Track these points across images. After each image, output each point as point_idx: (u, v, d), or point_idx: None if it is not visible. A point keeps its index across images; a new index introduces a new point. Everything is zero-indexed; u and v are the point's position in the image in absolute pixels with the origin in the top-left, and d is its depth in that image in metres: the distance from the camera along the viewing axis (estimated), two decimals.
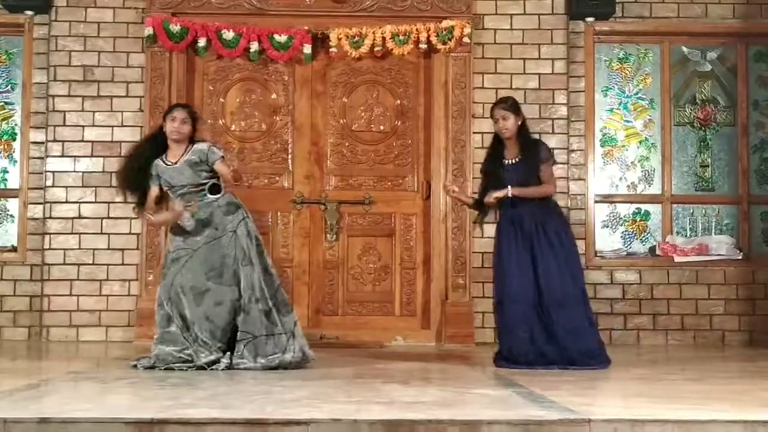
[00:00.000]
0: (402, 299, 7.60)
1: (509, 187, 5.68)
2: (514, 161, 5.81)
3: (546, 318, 5.56)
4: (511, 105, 5.86)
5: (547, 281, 5.59)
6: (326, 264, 7.60)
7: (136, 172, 5.74)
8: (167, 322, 5.53)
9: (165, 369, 5.33)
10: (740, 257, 7.70)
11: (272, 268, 5.69)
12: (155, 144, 5.77)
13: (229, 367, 5.37)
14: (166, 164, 5.68)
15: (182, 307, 5.51)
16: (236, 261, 5.55)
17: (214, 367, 5.36)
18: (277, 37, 7.44)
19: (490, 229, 7.38)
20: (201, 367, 5.36)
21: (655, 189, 7.86)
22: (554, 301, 5.57)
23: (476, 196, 6.08)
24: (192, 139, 5.76)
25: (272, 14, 7.56)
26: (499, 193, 5.70)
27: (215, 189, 5.70)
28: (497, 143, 5.93)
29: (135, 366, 5.42)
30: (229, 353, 5.45)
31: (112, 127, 7.48)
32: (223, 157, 5.66)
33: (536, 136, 6.41)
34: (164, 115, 5.82)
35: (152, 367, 5.37)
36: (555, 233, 5.71)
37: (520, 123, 5.83)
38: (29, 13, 7.58)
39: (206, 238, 5.59)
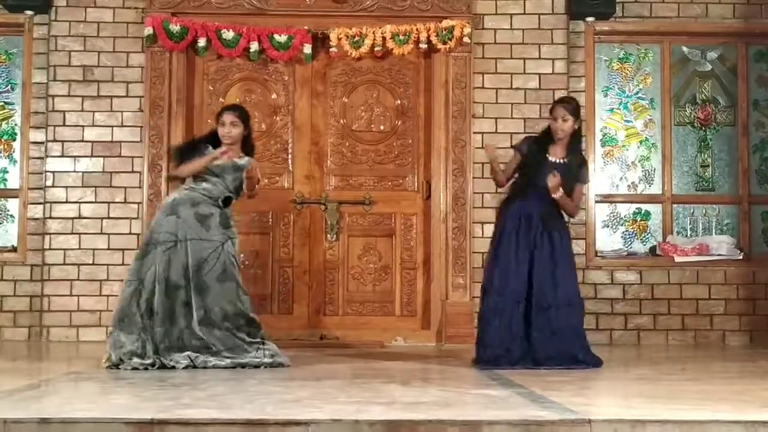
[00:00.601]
0: (402, 299, 7.60)
1: (560, 191, 5.61)
2: (557, 161, 5.74)
3: (535, 317, 5.54)
4: (573, 108, 5.78)
5: (541, 281, 5.58)
6: (326, 264, 7.60)
7: (192, 144, 6.01)
8: (129, 303, 5.51)
9: (132, 369, 5.31)
10: (741, 257, 7.70)
11: (245, 290, 5.73)
12: (212, 139, 5.89)
13: (193, 366, 5.40)
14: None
15: (152, 295, 5.51)
16: (211, 272, 5.57)
17: (173, 365, 5.38)
18: (277, 36, 7.43)
19: (490, 229, 7.40)
20: (161, 366, 5.37)
21: (656, 189, 7.86)
22: (560, 301, 5.55)
23: (502, 166, 5.86)
24: (247, 140, 5.92)
25: (272, 14, 7.56)
26: (554, 182, 5.58)
27: (227, 202, 5.78)
28: (546, 135, 5.83)
29: (109, 367, 5.40)
30: (188, 354, 5.45)
31: (112, 127, 7.48)
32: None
33: (584, 151, 6.32)
34: (216, 118, 5.99)
35: (116, 366, 5.35)
36: (558, 237, 5.70)
37: (576, 128, 5.80)
38: (29, 12, 7.57)
39: (195, 234, 5.61)
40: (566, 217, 5.87)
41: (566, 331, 5.55)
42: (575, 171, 5.77)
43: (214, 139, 5.88)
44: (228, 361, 5.44)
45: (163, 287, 5.52)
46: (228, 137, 5.79)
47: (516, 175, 5.86)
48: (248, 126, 5.92)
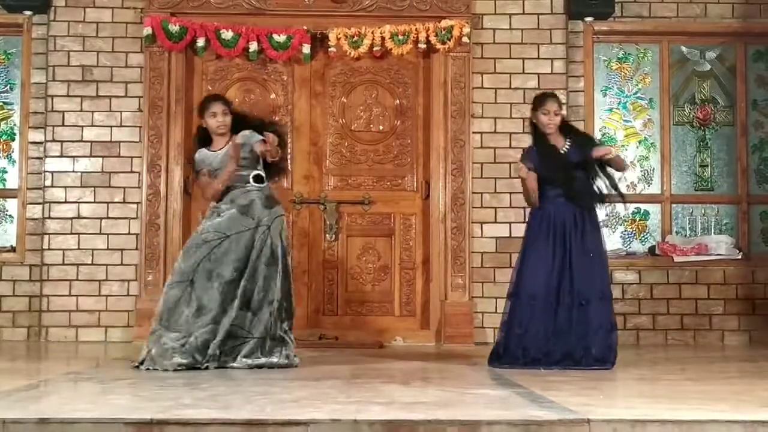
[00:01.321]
0: (401, 299, 7.60)
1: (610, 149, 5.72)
2: (566, 148, 5.72)
3: (565, 316, 5.51)
4: (560, 101, 5.86)
5: (581, 278, 5.55)
6: (325, 264, 7.60)
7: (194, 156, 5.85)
8: (176, 303, 5.42)
9: (164, 370, 5.24)
10: (740, 257, 7.70)
11: (291, 271, 5.68)
12: (203, 143, 5.80)
13: (218, 366, 5.34)
14: (210, 151, 5.71)
15: (201, 293, 5.43)
16: (260, 257, 5.51)
17: (207, 365, 5.33)
18: (276, 36, 7.44)
19: (489, 230, 7.46)
20: (196, 366, 5.30)
21: (655, 189, 7.87)
22: (592, 299, 5.53)
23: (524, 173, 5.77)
24: (247, 120, 5.82)
25: (271, 14, 7.56)
26: (602, 152, 5.64)
27: (259, 179, 5.68)
28: (539, 136, 5.79)
29: (137, 367, 5.35)
30: (218, 352, 5.40)
31: (111, 127, 7.48)
32: (263, 140, 5.58)
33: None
34: (201, 112, 5.79)
35: (154, 369, 5.28)
36: (594, 235, 5.68)
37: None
38: (28, 13, 7.57)
39: (243, 226, 5.54)
40: (599, 212, 5.83)
41: (601, 328, 5.53)
42: (587, 143, 5.79)
43: (204, 137, 5.78)
44: (245, 361, 5.38)
45: (214, 284, 5.44)
46: (223, 126, 5.68)
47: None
48: (232, 111, 5.80)
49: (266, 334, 5.45)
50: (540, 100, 5.82)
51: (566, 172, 5.65)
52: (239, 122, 5.78)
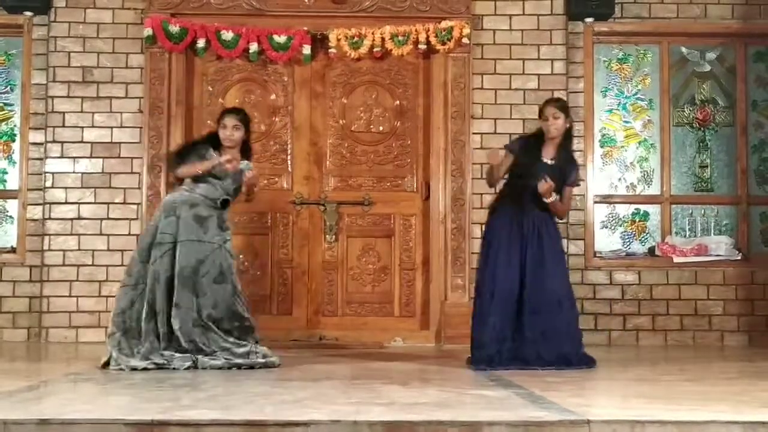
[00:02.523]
0: (401, 300, 7.60)
1: (553, 194, 5.65)
2: (550, 161, 5.75)
3: (526, 318, 5.54)
4: (563, 105, 5.85)
5: (531, 282, 5.59)
6: (325, 265, 7.60)
7: (190, 147, 5.96)
8: (130, 306, 5.54)
9: (132, 370, 5.32)
10: (739, 258, 7.70)
11: (241, 291, 5.74)
12: (212, 140, 5.87)
13: (194, 367, 5.41)
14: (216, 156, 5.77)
15: (153, 296, 5.51)
16: (207, 274, 5.57)
17: (175, 366, 5.39)
18: (276, 37, 7.44)
19: None
20: (160, 366, 5.37)
21: (654, 189, 7.87)
22: (550, 302, 5.57)
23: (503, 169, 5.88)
24: (246, 143, 5.93)
25: (271, 15, 7.56)
26: (545, 188, 5.60)
27: (225, 204, 5.79)
28: (538, 136, 5.83)
29: (104, 367, 5.42)
30: (189, 355, 5.45)
31: (112, 128, 7.48)
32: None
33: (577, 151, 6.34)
34: (217, 120, 5.95)
35: (116, 367, 5.36)
36: (548, 237, 5.71)
37: (567, 126, 5.81)
38: (28, 14, 7.58)
39: (193, 236, 5.61)
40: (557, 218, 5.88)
41: (556, 332, 5.55)
42: (566, 172, 5.78)
43: (213, 141, 5.87)
44: (223, 360, 5.44)
45: (163, 288, 5.52)
46: (229, 140, 5.78)
47: (506, 175, 5.87)
48: (249, 129, 5.92)
49: (229, 348, 5.52)
50: (541, 108, 5.88)
51: (533, 176, 5.65)
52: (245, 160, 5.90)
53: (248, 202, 6.06)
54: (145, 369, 5.33)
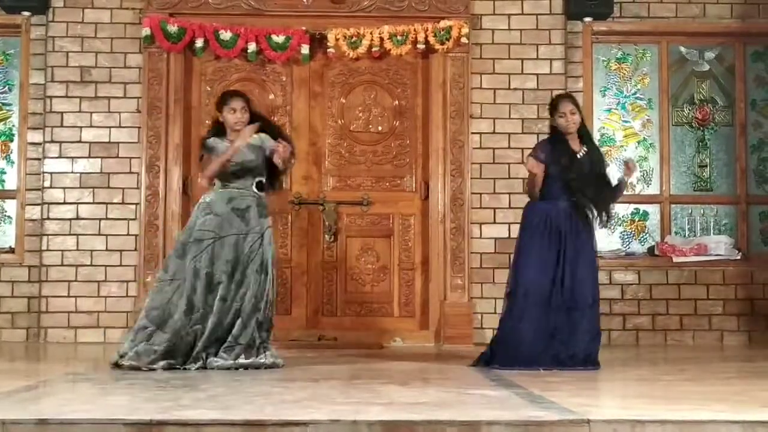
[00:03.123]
0: (400, 300, 7.60)
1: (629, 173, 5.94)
2: (581, 154, 5.74)
3: (559, 318, 5.53)
4: (575, 100, 5.85)
5: (572, 282, 5.57)
6: (325, 264, 7.59)
7: (208, 148, 5.74)
8: (168, 302, 5.44)
9: (148, 370, 5.26)
10: (739, 257, 7.70)
11: (276, 281, 5.69)
12: (218, 131, 5.75)
13: (200, 367, 5.37)
14: (223, 143, 5.66)
15: (191, 293, 5.43)
16: (251, 264, 5.52)
17: (187, 366, 5.36)
18: (274, 37, 7.44)
19: (488, 230, 7.45)
20: (175, 367, 5.33)
21: (654, 189, 7.87)
22: (582, 303, 5.55)
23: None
24: (269, 124, 5.85)
25: (270, 15, 7.56)
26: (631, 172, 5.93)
27: (260, 186, 5.70)
28: (556, 135, 5.80)
29: (119, 361, 5.36)
30: (203, 355, 5.42)
31: (110, 128, 7.48)
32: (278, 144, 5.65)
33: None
34: (219, 107, 5.75)
35: (137, 368, 5.30)
36: (586, 235, 5.70)
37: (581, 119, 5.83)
38: (26, 13, 7.57)
39: (235, 229, 5.54)
40: (592, 217, 5.83)
41: (588, 333, 5.55)
42: (596, 157, 5.81)
43: (220, 131, 5.74)
44: (231, 362, 5.39)
45: (204, 284, 5.45)
46: (240, 123, 5.65)
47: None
48: (251, 111, 5.79)
49: (252, 343, 5.47)
50: (554, 104, 5.85)
51: (581, 178, 5.65)
52: (257, 123, 5.73)
53: (284, 174, 5.94)
54: (162, 369, 5.27)
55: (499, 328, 5.75)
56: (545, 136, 5.99)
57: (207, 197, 5.69)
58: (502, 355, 5.60)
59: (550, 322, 5.53)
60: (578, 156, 5.73)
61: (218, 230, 5.53)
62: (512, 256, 5.88)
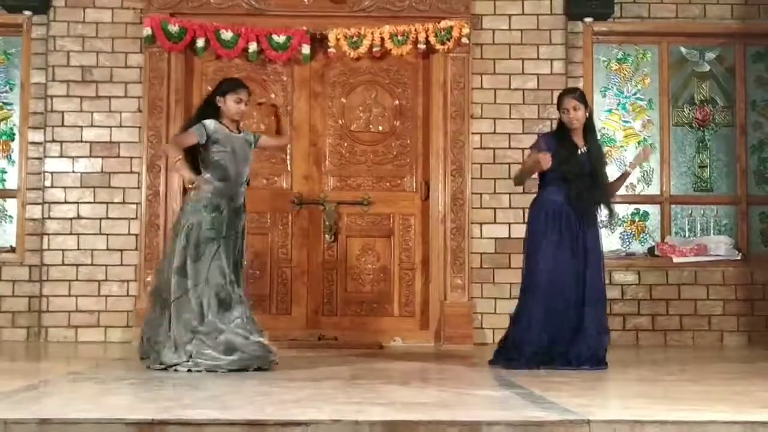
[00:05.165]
0: (401, 300, 7.60)
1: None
2: (583, 150, 5.75)
3: (575, 315, 5.53)
4: (580, 95, 5.84)
5: (588, 279, 5.58)
6: (325, 264, 7.59)
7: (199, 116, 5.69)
8: (200, 306, 5.35)
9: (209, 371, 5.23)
10: (739, 258, 7.70)
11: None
12: (210, 110, 5.66)
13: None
14: (230, 131, 5.62)
15: (204, 296, 5.39)
16: (237, 261, 5.56)
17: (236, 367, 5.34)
18: (275, 37, 7.44)
19: (488, 230, 7.45)
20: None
21: (654, 189, 7.87)
22: (590, 300, 5.56)
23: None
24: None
25: (270, 14, 7.56)
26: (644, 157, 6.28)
27: (248, 182, 5.74)
28: (564, 130, 5.81)
29: (174, 366, 5.29)
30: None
31: (111, 127, 7.48)
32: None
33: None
34: (222, 92, 5.64)
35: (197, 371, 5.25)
36: (594, 235, 5.71)
37: (587, 115, 5.82)
38: (27, 13, 7.57)
39: (231, 231, 5.55)
40: (600, 214, 5.85)
41: (596, 330, 5.56)
42: (597, 155, 5.81)
43: (212, 112, 5.63)
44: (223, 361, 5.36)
45: (220, 281, 5.41)
46: (239, 114, 5.65)
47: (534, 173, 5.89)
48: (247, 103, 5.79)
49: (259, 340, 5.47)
50: (559, 100, 5.89)
51: (577, 173, 5.66)
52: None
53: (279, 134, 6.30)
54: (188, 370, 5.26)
55: (514, 326, 5.74)
56: None
57: (208, 190, 5.54)
58: (510, 354, 5.60)
59: (564, 319, 5.53)
60: (579, 152, 5.73)
61: (223, 231, 5.51)
62: (524, 250, 5.86)
